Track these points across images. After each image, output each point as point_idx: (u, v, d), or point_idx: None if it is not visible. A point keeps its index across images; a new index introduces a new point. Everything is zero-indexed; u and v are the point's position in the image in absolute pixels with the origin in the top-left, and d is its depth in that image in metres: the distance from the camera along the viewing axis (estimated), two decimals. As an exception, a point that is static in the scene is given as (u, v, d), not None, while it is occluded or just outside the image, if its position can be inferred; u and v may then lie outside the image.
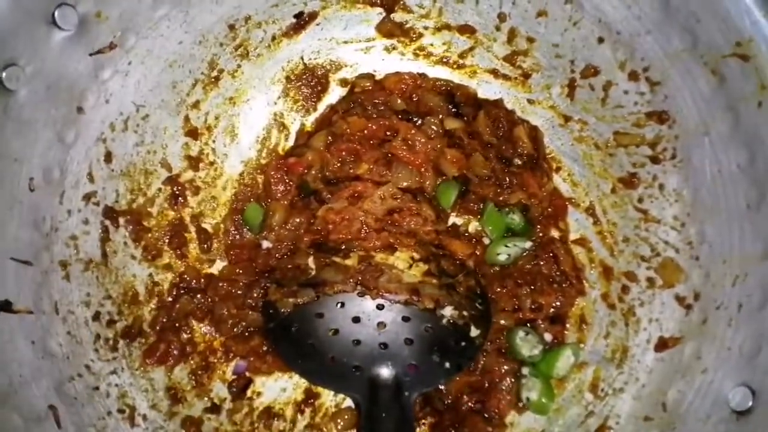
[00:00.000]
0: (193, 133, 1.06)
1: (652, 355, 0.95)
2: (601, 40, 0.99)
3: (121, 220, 1.00)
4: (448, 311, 0.96)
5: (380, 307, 0.96)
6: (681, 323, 0.93)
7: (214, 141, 1.08)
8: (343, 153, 1.02)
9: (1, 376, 0.81)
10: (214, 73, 1.06)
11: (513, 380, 0.98)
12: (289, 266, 0.99)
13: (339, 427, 1.00)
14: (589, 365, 1.00)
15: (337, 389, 0.97)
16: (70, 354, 0.91)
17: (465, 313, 0.97)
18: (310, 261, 0.98)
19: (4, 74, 0.81)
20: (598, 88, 1.02)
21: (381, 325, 0.95)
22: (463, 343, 0.95)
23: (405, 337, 0.94)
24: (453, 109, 1.06)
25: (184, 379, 1.00)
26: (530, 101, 1.09)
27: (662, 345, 0.94)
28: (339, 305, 0.96)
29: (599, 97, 1.03)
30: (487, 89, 1.10)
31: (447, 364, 0.93)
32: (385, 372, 0.91)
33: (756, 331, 0.83)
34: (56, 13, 0.85)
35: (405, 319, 0.95)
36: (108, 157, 0.98)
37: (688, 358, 0.90)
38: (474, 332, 0.96)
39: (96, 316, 0.95)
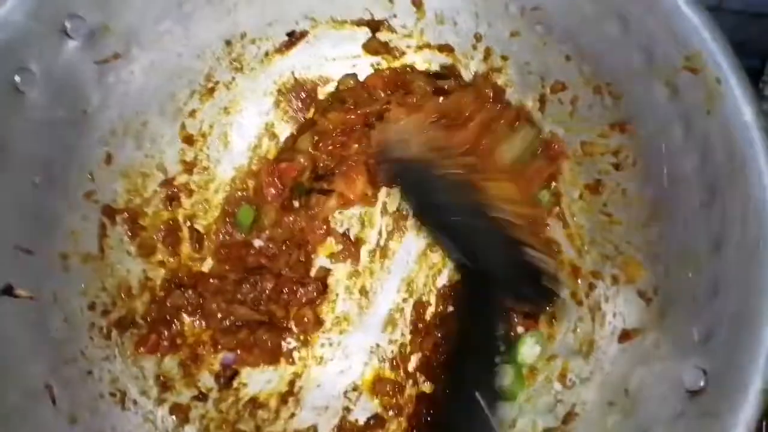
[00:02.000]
0: (188, 140, 1.13)
1: (616, 346, 1.01)
2: (568, 58, 1.07)
3: (118, 218, 1.06)
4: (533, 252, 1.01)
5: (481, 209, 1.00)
6: (642, 316, 0.99)
7: (208, 147, 1.15)
8: (330, 148, 1.09)
9: (3, 355, 0.86)
10: (210, 85, 1.14)
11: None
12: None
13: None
14: (559, 357, 1.05)
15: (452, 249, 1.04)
16: (66, 339, 0.96)
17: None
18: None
19: (17, 77, 0.89)
20: (566, 101, 1.10)
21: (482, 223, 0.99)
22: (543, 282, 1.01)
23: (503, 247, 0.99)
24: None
25: (173, 369, 1.05)
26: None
27: (625, 336, 1.00)
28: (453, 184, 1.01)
29: (567, 111, 1.10)
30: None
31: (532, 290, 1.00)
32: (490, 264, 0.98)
33: (708, 319, 0.89)
34: (68, 24, 0.93)
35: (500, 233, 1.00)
36: (108, 158, 1.05)
37: (649, 347, 0.96)
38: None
39: (91, 306, 1.01)
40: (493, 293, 0.98)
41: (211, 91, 1.14)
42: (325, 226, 1.11)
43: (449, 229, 1.04)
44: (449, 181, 1.01)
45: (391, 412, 1.08)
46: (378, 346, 1.12)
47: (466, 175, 1.01)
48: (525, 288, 1.01)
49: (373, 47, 1.18)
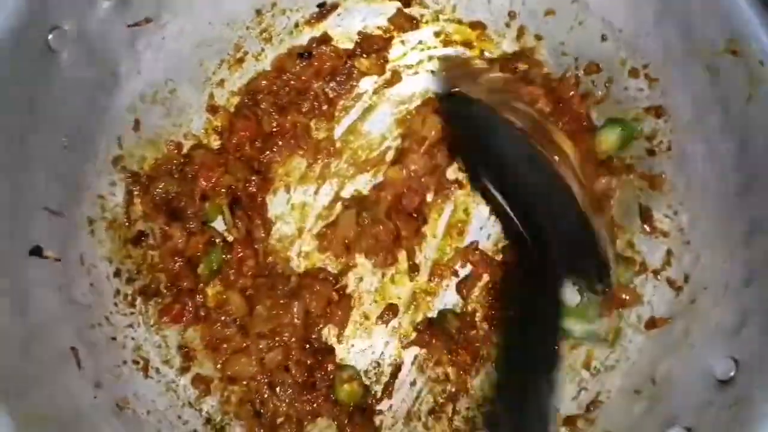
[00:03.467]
0: (214, 110, 1.12)
1: (644, 334, 1.00)
2: (604, 39, 1.05)
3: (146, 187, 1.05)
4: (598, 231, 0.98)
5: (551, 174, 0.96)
6: (671, 304, 0.98)
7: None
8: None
9: (31, 316, 0.85)
10: (239, 55, 1.13)
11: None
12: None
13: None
14: (583, 345, 1.04)
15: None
16: (92, 304, 0.96)
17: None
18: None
19: (50, 36, 0.88)
20: (600, 84, 1.08)
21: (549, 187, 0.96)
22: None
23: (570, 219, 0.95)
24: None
25: (195, 340, 1.04)
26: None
27: (652, 324, 0.99)
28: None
29: (601, 93, 1.09)
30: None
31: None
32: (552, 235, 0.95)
33: (740, 308, 0.88)
34: (101, -16, 0.92)
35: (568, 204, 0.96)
36: (137, 125, 1.04)
37: (678, 336, 0.95)
38: None
39: (117, 273, 1.00)
40: (550, 268, 0.93)
41: (240, 61, 1.13)
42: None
43: (511, 190, 1.00)
44: (515, 129, 0.96)
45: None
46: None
47: (533, 126, 0.96)
48: (586, 264, 0.97)
49: (399, 22, 1.16)
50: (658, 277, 1.01)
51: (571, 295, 1.02)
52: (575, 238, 0.96)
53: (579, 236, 0.95)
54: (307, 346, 1.03)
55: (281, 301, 1.02)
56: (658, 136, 1.03)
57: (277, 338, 0.99)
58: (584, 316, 1.01)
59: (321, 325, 1.05)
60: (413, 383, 1.06)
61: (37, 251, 0.88)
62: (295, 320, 1.00)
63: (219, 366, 1.01)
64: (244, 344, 1.00)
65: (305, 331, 1.03)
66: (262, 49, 1.14)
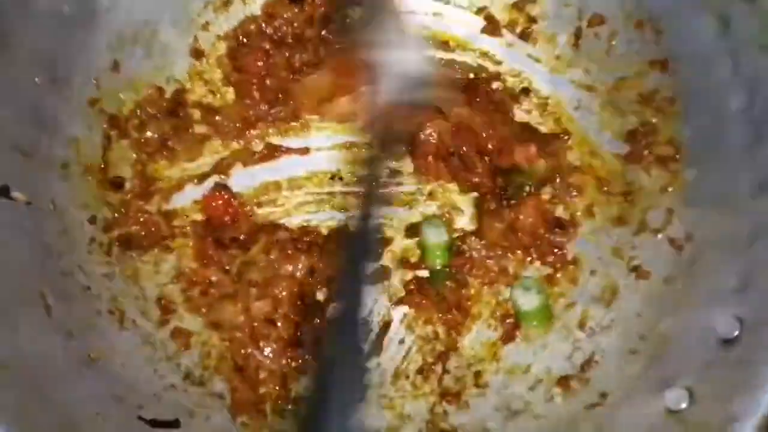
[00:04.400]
0: (198, 54, 1.06)
1: (641, 294, 0.96)
2: (609, -13, 1.01)
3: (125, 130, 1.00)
4: None
5: None
6: (672, 264, 0.95)
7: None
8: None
9: (-6, 260, 0.80)
10: (225, -3, 1.07)
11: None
12: None
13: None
14: (578, 304, 1.01)
15: None
16: (63, 251, 0.90)
17: None
18: None
19: (21, -38, 0.82)
20: (603, 36, 1.04)
21: None
22: None
23: None
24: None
25: (175, 293, 0.99)
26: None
27: (643, 275, 0.96)
28: None
29: (604, 47, 1.04)
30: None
31: None
32: None
33: (745, 267, 0.84)
34: None
35: None
36: (115, 65, 0.98)
37: (678, 296, 0.92)
38: None
39: (92, 220, 0.95)
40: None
41: (226, 3, 1.07)
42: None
43: None
44: None
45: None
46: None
47: None
48: None
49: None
50: (659, 236, 0.98)
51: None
52: None
53: None
54: (298, 302, 0.98)
55: (289, 252, 0.97)
56: (662, 90, 0.99)
57: (269, 288, 0.95)
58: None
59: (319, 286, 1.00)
60: (401, 341, 1.02)
61: (4, 191, 0.83)
62: (297, 274, 0.96)
63: (203, 310, 0.96)
64: (233, 290, 0.95)
65: (300, 288, 0.98)
66: (249, -8, 1.08)
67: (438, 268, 1.03)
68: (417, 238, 1.05)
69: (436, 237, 1.03)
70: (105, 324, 0.92)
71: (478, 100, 1.06)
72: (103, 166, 0.97)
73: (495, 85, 1.09)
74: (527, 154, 1.01)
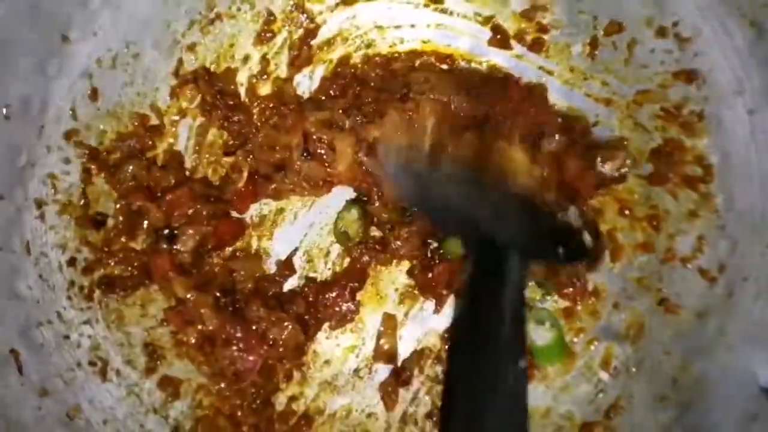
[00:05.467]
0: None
1: (671, 331, 0.87)
2: (628, -7, 0.92)
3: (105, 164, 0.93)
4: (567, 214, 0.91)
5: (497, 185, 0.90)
6: (705, 297, 0.86)
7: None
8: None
9: (-39, 314, 0.74)
10: (212, 15, 0.99)
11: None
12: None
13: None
14: (601, 341, 0.92)
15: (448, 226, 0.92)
16: (40, 298, 0.84)
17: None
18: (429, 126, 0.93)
19: (-21, -12, 0.76)
20: (621, 46, 0.95)
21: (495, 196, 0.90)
22: (576, 241, 0.91)
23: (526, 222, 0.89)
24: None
25: (164, 336, 0.92)
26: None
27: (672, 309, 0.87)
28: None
29: (623, 57, 0.96)
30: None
31: (560, 250, 0.88)
32: (503, 232, 0.87)
33: (788, 303, 0.76)
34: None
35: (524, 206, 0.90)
36: (94, 94, 0.92)
37: (712, 334, 0.83)
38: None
39: (71, 262, 0.89)
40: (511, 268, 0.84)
41: (212, 22, 1.00)
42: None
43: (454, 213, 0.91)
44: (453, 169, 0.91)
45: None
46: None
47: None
48: (550, 249, 0.89)
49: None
50: (688, 265, 0.89)
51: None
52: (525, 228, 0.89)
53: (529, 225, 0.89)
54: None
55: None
56: (688, 104, 0.90)
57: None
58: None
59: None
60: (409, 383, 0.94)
61: (-29, 239, 0.76)
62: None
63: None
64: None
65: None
66: (239, 8, 1.00)
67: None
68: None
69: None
70: (85, 377, 0.86)
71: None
72: (83, 202, 0.90)
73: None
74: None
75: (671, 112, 0.92)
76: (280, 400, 0.93)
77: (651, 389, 0.86)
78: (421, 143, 0.91)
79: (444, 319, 0.95)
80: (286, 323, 0.87)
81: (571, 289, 0.93)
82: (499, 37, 1.01)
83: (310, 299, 0.93)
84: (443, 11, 1.02)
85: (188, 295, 0.86)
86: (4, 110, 0.81)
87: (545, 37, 1.00)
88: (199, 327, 0.85)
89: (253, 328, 0.85)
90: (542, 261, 0.92)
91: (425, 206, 0.92)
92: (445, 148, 0.91)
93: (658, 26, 0.91)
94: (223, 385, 0.88)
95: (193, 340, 0.86)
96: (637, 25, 0.93)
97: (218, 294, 0.88)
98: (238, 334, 0.84)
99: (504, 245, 0.85)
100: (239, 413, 0.88)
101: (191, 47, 0.99)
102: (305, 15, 1.01)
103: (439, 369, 0.95)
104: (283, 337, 0.87)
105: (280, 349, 0.87)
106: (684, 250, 0.90)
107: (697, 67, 0.89)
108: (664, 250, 0.91)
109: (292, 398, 0.94)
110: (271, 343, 0.86)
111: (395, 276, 0.97)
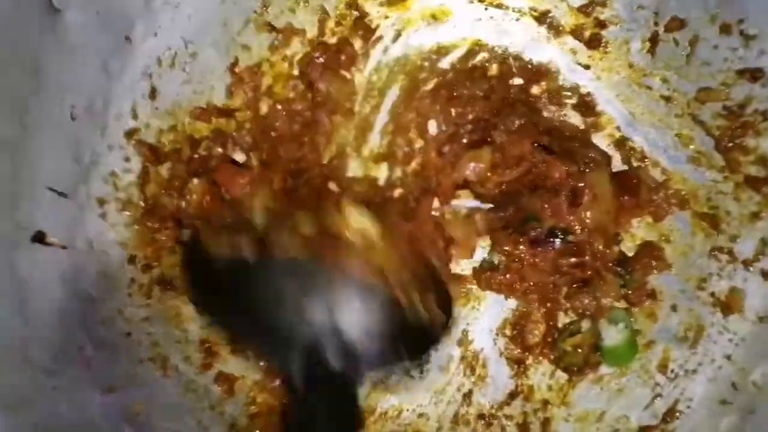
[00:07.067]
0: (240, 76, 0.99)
1: (731, 334, 0.86)
2: (691, -14, 0.90)
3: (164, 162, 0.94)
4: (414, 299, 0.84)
5: (331, 284, 0.82)
6: (766, 300, 0.84)
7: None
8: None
9: (31, 311, 0.76)
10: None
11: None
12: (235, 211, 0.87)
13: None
14: (658, 343, 0.91)
15: (270, 360, 0.84)
16: (102, 296, 0.86)
17: (429, 296, 0.86)
18: (258, 215, 0.87)
19: (52, -8, 0.77)
20: (683, 42, 0.93)
21: (334, 303, 0.82)
22: (424, 333, 0.85)
23: (363, 325, 0.82)
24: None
25: (219, 333, 0.94)
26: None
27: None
28: (287, 271, 0.82)
29: (684, 54, 0.93)
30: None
31: (403, 350, 0.83)
32: (333, 359, 0.79)
33: None
34: (111, -67, 0.81)
35: (363, 302, 0.83)
36: (153, 93, 0.93)
37: (777, 339, 0.81)
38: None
39: (131, 259, 0.90)
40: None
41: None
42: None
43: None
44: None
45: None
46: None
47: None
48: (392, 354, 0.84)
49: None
50: (750, 268, 0.87)
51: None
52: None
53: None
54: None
55: None
56: (752, 103, 0.88)
57: None
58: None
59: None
60: (461, 384, 0.94)
61: (39, 238, 0.78)
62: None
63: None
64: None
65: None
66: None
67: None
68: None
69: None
70: (146, 373, 0.87)
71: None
72: (142, 201, 0.92)
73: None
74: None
75: (734, 110, 0.90)
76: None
77: (710, 394, 0.85)
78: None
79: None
80: None
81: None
82: (553, 32, 1.00)
83: None
84: (498, 6, 1.01)
85: None
86: (71, 111, 0.82)
87: (603, 32, 0.98)
88: None
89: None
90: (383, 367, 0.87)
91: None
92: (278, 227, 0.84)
93: (722, 23, 0.89)
94: (278, 382, 0.90)
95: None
96: (700, 21, 0.91)
97: None
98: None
99: (341, 370, 0.78)
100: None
101: (245, 46, 0.99)
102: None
103: (489, 370, 0.95)
104: None
105: None
106: (746, 252, 0.88)
107: (763, 66, 0.86)
108: (726, 252, 0.89)
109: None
110: None
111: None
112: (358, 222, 0.84)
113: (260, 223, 0.85)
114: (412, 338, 0.84)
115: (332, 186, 0.97)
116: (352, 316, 0.81)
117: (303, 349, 0.79)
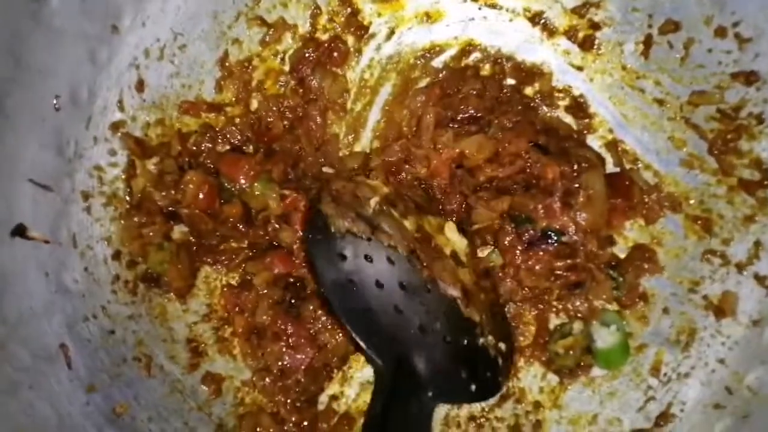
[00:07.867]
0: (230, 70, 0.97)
1: (724, 338, 0.86)
2: (685, -11, 0.90)
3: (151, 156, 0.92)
4: (487, 335, 0.86)
5: (428, 289, 0.84)
6: (760, 304, 0.84)
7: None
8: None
9: (11, 307, 0.73)
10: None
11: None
12: (350, 191, 0.88)
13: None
14: (650, 346, 0.90)
15: (361, 345, 0.80)
16: (86, 292, 0.83)
17: (501, 345, 0.86)
18: (373, 201, 0.88)
19: (36, -21, 0.74)
20: (678, 45, 0.93)
21: (424, 305, 0.83)
22: (489, 374, 0.84)
23: (444, 335, 0.82)
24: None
25: (206, 332, 0.92)
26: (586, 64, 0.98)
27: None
28: (389, 260, 0.84)
29: (678, 56, 0.93)
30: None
31: (473, 387, 0.82)
32: (419, 361, 0.79)
33: None
34: None
35: (447, 315, 0.84)
36: (140, 85, 0.91)
37: (768, 343, 0.81)
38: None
39: (116, 255, 0.88)
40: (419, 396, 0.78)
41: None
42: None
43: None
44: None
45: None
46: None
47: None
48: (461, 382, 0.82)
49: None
50: (743, 272, 0.87)
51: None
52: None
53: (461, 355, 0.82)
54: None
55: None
56: (747, 106, 0.88)
57: None
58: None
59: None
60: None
61: (20, 231, 0.76)
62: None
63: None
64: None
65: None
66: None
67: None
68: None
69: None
70: (130, 372, 0.85)
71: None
72: (128, 195, 0.89)
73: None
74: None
75: (728, 114, 0.90)
76: (321, 399, 0.92)
77: (704, 397, 0.84)
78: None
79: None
80: (339, 331, 0.85)
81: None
82: (546, 33, 1.00)
83: None
84: (492, 6, 1.00)
85: None
86: (55, 101, 0.80)
87: (597, 34, 0.98)
88: (248, 317, 0.84)
89: (307, 326, 0.84)
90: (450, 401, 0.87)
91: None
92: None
93: (717, 26, 0.89)
94: (268, 381, 0.87)
95: (240, 329, 0.85)
96: (694, 24, 0.91)
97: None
98: (289, 330, 0.83)
99: (424, 381, 0.78)
100: (283, 411, 0.87)
101: (236, 40, 0.97)
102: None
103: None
104: (334, 343, 0.85)
105: (329, 355, 0.86)
106: (739, 255, 0.88)
107: (758, 69, 0.86)
108: (718, 255, 0.89)
109: (334, 397, 0.93)
110: (320, 346, 0.85)
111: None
112: (454, 237, 0.89)
113: (373, 209, 0.87)
114: (480, 365, 0.84)
115: (327, 169, 0.95)
116: (440, 332, 0.82)
117: (399, 354, 0.79)
